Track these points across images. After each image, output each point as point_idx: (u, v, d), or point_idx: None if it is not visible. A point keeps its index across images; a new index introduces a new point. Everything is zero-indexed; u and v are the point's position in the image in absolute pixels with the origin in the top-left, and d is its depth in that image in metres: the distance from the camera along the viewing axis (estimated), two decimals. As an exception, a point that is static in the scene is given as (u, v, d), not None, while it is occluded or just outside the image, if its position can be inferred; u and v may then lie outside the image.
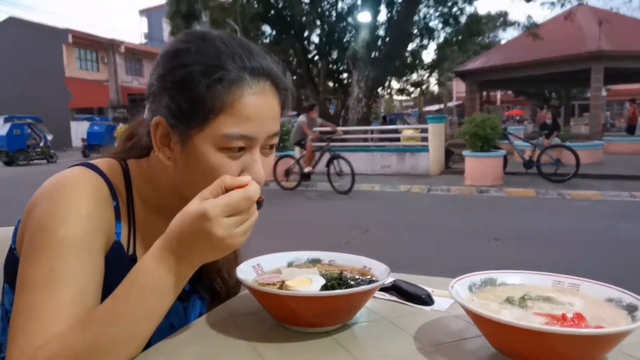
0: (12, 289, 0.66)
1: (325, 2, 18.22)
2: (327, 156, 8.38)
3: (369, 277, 0.80)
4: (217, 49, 0.66)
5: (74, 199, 0.64)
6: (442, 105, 29.60)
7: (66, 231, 0.62)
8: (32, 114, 19.38)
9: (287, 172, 8.83)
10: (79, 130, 24.43)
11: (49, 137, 18.75)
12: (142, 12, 35.11)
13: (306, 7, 17.29)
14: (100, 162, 0.72)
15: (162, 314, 0.62)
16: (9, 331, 0.62)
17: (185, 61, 0.65)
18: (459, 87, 34.65)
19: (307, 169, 8.61)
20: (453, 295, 0.66)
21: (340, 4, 18.62)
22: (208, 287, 0.85)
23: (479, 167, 8.80)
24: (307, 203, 8.11)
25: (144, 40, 34.66)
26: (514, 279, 0.77)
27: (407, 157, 11.03)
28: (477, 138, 8.61)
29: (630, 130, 15.27)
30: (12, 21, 27.16)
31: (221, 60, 0.64)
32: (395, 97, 31.96)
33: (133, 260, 0.71)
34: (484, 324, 0.61)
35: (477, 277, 0.76)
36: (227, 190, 0.58)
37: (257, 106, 0.65)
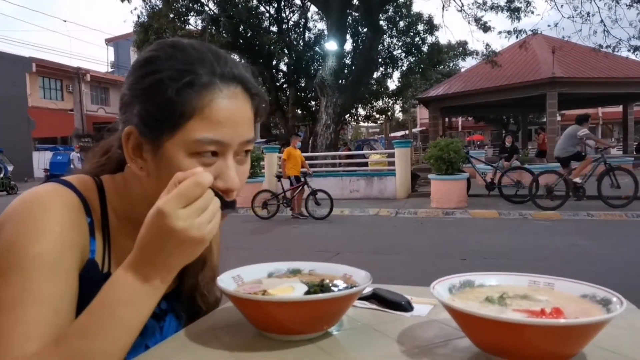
0: None
1: (293, 32, 18.62)
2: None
3: (350, 284, 0.80)
4: (186, 55, 0.65)
5: (47, 216, 0.62)
6: (407, 131, 30.34)
7: (39, 249, 0.60)
8: (-8, 144, 18.66)
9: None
10: (41, 160, 23.58)
11: (10, 168, 18.03)
12: (109, 41, 34.79)
13: (274, 36, 17.61)
14: (73, 178, 0.70)
15: (140, 326, 0.60)
16: None
17: (154, 68, 0.64)
18: (422, 114, 35.67)
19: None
20: (435, 294, 0.67)
21: (307, 34, 19.11)
22: (186, 306, 0.83)
23: (444, 189, 9.02)
24: (277, 229, 8.06)
25: (110, 69, 34.21)
26: (492, 281, 0.79)
27: (375, 181, 11.18)
28: (442, 161, 8.86)
29: (540, 155, 16.21)
30: (-30, 49, 26.34)
31: (191, 65, 0.64)
32: (362, 123, 32.59)
33: (107, 276, 0.67)
34: (467, 320, 0.62)
35: (456, 279, 0.78)
36: (180, 180, 0.57)
37: (229, 110, 0.64)
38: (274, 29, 18.22)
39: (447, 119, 26.16)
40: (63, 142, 26.54)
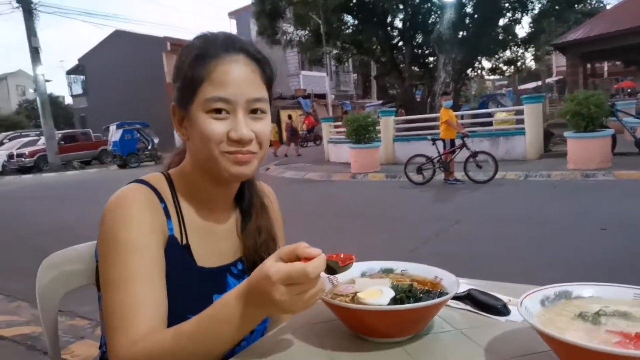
0: None
1: (408, -17, 17.73)
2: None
3: (439, 289, 0.82)
4: (202, 40, 0.81)
5: (129, 208, 0.78)
6: (539, 82, 27.47)
7: (127, 235, 0.76)
8: (140, 120, 21.29)
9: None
10: (180, 131, 26.35)
11: (156, 140, 20.54)
12: (231, 15, 36.72)
13: (388, -9, 16.96)
14: (148, 177, 0.87)
15: (234, 343, 0.72)
16: (104, 329, 0.76)
17: (180, 54, 0.82)
18: (558, 61, 31.90)
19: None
20: (521, 312, 0.66)
21: (424, -17, 18.02)
22: (256, 262, 0.94)
23: (583, 149, 8.09)
24: (396, 194, 8.07)
25: (234, 42, 36.24)
26: (591, 292, 0.75)
27: (501, 141, 10.47)
28: (580, 117, 7.91)
29: None
30: (117, 34, 29.97)
31: (203, 45, 0.80)
32: (487, 77, 30.29)
33: (187, 247, 0.84)
34: (549, 341, 0.61)
35: (551, 290, 0.75)
36: (298, 257, 0.65)
37: (231, 73, 0.78)
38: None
39: (589, 66, 23.13)
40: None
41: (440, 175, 8.46)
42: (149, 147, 20.10)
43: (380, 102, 26.61)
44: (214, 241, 0.89)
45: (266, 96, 0.83)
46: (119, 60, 29.28)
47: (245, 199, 0.95)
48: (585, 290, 0.75)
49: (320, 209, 7.35)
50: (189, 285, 0.83)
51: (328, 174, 11.03)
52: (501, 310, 0.86)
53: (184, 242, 0.84)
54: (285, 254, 0.65)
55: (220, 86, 0.77)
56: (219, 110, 0.77)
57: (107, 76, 30.32)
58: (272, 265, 0.64)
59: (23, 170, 20.20)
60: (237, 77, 0.78)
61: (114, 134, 19.51)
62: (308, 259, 0.63)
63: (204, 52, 0.78)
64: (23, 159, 20.49)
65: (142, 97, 27.99)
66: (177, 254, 0.82)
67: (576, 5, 19.28)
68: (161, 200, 0.83)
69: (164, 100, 27.85)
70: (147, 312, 0.73)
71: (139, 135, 19.97)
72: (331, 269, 0.71)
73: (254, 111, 0.80)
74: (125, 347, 0.71)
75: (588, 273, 3.47)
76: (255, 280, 0.66)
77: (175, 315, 0.77)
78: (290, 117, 21.44)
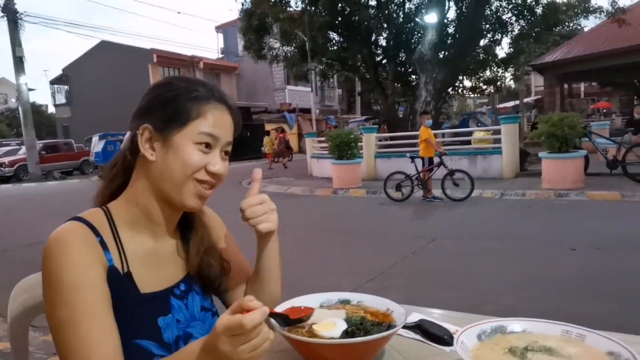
0: None
1: (393, 5, 18.10)
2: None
3: (389, 321, 0.89)
4: (194, 81, 0.94)
5: (68, 249, 0.83)
6: (517, 101, 28.14)
7: (70, 275, 0.80)
8: (124, 131, 21.04)
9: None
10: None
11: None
12: (218, 29, 36.89)
13: (373, 11, 17.29)
14: (85, 214, 0.92)
15: None
16: None
17: (172, 87, 0.92)
18: (537, 81, 32.76)
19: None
20: (457, 348, 0.73)
21: (407, 4, 18.41)
22: (198, 277, 1.00)
23: (557, 169, 8.33)
24: (376, 210, 8.17)
25: (220, 55, 36.40)
26: (524, 326, 0.83)
27: (479, 159, 10.70)
28: (555, 139, 8.15)
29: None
30: (103, 45, 29.82)
31: (196, 86, 0.92)
32: (467, 95, 30.89)
33: (128, 274, 0.89)
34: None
35: (488, 325, 0.83)
36: (242, 308, 0.70)
37: (219, 117, 0.91)
38: (373, 2, 17.88)
39: (566, 86, 23.78)
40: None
41: (418, 193, 8.60)
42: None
43: (364, 118, 26.91)
44: (156, 265, 0.93)
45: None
46: (104, 71, 29.10)
47: (188, 220, 1.00)
48: (519, 325, 0.83)
49: (301, 224, 7.39)
50: (133, 312, 0.86)
51: (310, 188, 11.10)
52: (447, 340, 0.93)
53: (125, 270, 0.88)
54: (235, 306, 0.70)
55: (212, 125, 0.89)
56: (207, 145, 0.88)
57: (92, 86, 30.07)
58: (220, 318, 0.69)
59: (2, 179, 19.79)
60: (222, 121, 0.91)
61: (97, 144, 19.32)
62: (249, 310, 0.68)
63: (201, 94, 0.90)
64: (2, 169, 20.08)
65: (126, 109, 26.65)
66: (118, 283, 0.86)
67: (554, 28, 19.86)
68: (97, 234, 0.87)
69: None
70: (101, 350, 0.77)
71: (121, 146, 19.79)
72: (286, 321, 0.79)
73: (225, 152, 0.93)
74: None
75: (555, 292, 3.58)
76: (211, 334, 0.71)
77: (123, 342, 0.81)
78: (283, 130, 21.53)
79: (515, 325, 0.83)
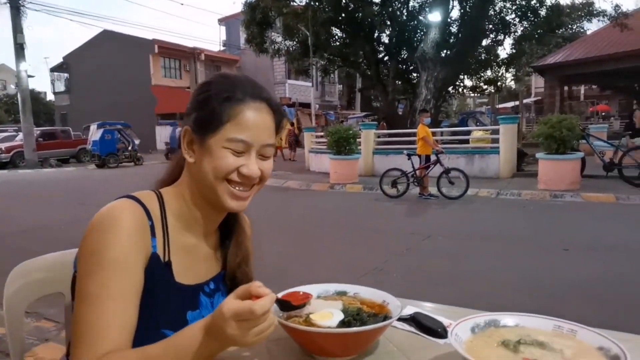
0: None
1: (397, 2, 18.04)
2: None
3: (385, 313, 0.90)
4: (230, 81, 0.90)
5: (118, 227, 0.82)
6: (517, 102, 28.19)
7: (114, 254, 0.80)
8: (122, 120, 21.06)
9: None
10: (162, 134, 26.24)
11: (137, 142, 20.32)
12: (221, 21, 36.70)
13: (377, 8, 17.23)
14: (140, 193, 0.92)
15: None
16: (70, 337, 0.80)
17: (207, 88, 0.89)
18: (537, 83, 32.76)
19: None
20: (451, 340, 0.75)
21: (411, 3, 18.36)
22: (230, 282, 1.01)
23: (553, 170, 8.36)
24: (372, 206, 8.19)
25: (222, 48, 36.26)
26: (517, 321, 0.84)
27: (477, 159, 10.73)
28: (553, 140, 8.18)
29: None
30: (105, 34, 29.66)
31: (232, 87, 0.88)
32: (468, 94, 30.91)
33: (168, 264, 0.89)
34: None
35: (481, 318, 0.84)
36: (251, 294, 0.71)
37: (254, 119, 0.86)
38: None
39: (566, 88, 23.82)
40: (180, 118, 29.02)
41: (414, 190, 8.64)
42: (129, 148, 19.88)
43: (364, 114, 26.89)
44: (193, 260, 0.94)
45: (275, 141, 0.93)
46: (105, 60, 28.95)
47: (229, 223, 1.01)
48: (512, 319, 0.84)
49: (296, 218, 7.42)
50: (166, 301, 0.87)
51: (307, 183, 11.11)
52: (441, 333, 0.95)
53: (167, 259, 0.89)
54: (241, 291, 0.72)
55: (243, 130, 0.85)
56: (237, 150, 0.86)
57: (92, 75, 29.94)
58: (226, 303, 0.70)
59: (-1, 165, 19.75)
60: (258, 123, 0.87)
61: (94, 133, 19.24)
62: (258, 297, 0.69)
63: (233, 95, 0.86)
64: (-1, 155, 20.04)
65: (126, 98, 27.71)
66: (158, 270, 0.86)
67: (557, 30, 19.86)
68: (149, 217, 0.88)
69: (148, 102, 27.65)
70: (116, 332, 0.78)
71: (119, 135, 19.74)
72: (286, 306, 0.80)
73: (263, 153, 0.90)
74: None
75: (546, 292, 3.61)
76: (214, 316, 0.72)
77: (150, 329, 0.82)
78: (292, 124, 21.52)
79: (508, 319, 0.84)
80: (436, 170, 8.39)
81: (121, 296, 0.80)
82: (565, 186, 8.13)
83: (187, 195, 0.93)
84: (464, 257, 4.76)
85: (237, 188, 0.88)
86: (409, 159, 8.46)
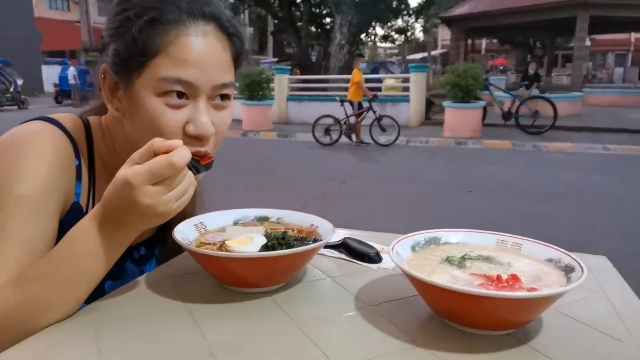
0: None
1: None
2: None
3: (313, 237, 0.78)
4: None
5: (36, 157, 0.61)
6: (426, 54, 29.16)
7: (24, 189, 0.59)
8: (1, 57, 18.47)
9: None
10: (50, 74, 23.43)
11: (19, 82, 17.99)
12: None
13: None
14: (62, 117, 0.68)
15: (98, 279, 0.60)
16: None
17: (125, 5, 0.62)
18: (444, 35, 34.02)
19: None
20: (392, 257, 0.65)
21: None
22: (165, 249, 0.84)
23: (458, 118, 8.80)
24: (288, 153, 8.08)
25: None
26: (458, 238, 0.77)
27: (388, 107, 10.95)
28: (459, 89, 8.55)
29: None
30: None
31: (158, 3, 0.61)
32: (379, 44, 31.31)
33: None
34: (418, 285, 0.60)
35: (421, 236, 0.75)
36: (155, 154, 0.54)
37: (197, 49, 0.61)
38: None
39: (470, 41, 24.95)
40: (71, 56, 26.12)
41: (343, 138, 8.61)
42: (11, 90, 17.58)
43: (276, 59, 26.20)
44: None
45: (233, 79, 0.67)
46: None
47: None
48: (453, 236, 0.77)
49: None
50: None
51: (219, 129, 10.68)
52: (374, 257, 0.86)
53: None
54: (139, 156, 0.54)
55: (181, 65, 0.60)
56: (178, 94, 0.61)
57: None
58: (127, 171, 0.52)
59: None
60: (204, 55, 0.61)
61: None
62: (168, 152, 0.53)
63: (162, 13, 0.60)
64: None
65: (4, 33, 24.18)
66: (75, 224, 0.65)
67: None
68: (77, 156, 0.66)
69: (31, 37, 24.41)
70: (7, 277, 0.58)
71: (-2, 75, 17.37)
72: (193, 168, 0.61)
73: (217, 97, 0.65)
74: None
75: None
76: (112, 195, 0.54)
77: None
78: None
79: (449, 236, 0.77)
80: (368, 117, 8.39)
81: (25, 241, 0.59)
82: (469, 134, 8.61)
83: (116, 136, 0.70)
84: (377, 200, 4.87)
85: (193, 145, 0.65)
86: (341, 105, 8.34)
